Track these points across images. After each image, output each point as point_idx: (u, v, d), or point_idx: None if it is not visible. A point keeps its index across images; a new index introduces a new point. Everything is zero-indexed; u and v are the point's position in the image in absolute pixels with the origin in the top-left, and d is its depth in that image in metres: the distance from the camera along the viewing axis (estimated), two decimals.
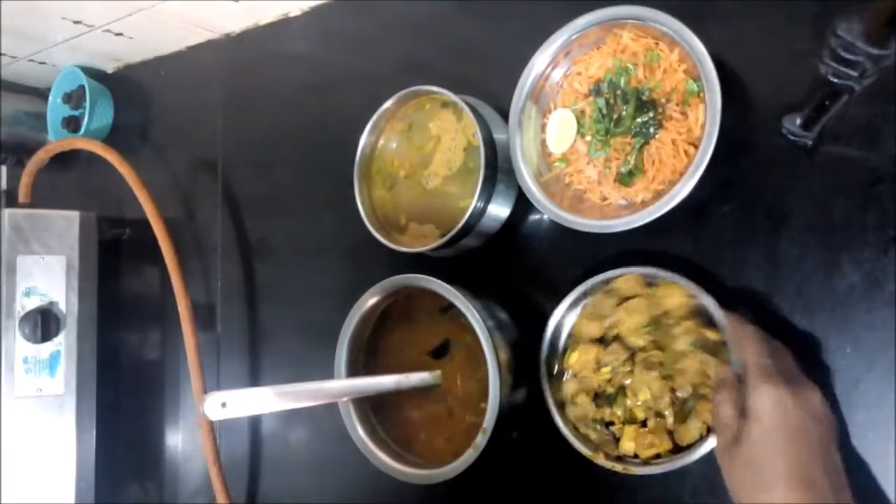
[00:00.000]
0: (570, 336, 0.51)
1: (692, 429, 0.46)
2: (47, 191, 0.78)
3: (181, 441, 0.80)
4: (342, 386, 0.57)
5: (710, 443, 0.44)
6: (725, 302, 0.46)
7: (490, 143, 0.54)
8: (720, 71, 0.45)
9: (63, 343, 0.72)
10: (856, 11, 0.37)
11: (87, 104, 0.85)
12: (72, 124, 0.87)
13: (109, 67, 0.91)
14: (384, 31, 0.68)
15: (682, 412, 0.46)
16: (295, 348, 0.72)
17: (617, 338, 0.49)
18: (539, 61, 0.53)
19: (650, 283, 0.48)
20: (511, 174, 0.54)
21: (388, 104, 0.59)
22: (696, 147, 0.46)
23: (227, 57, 0.79)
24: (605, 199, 0.51)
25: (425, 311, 0.59)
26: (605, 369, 0.49)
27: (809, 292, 0.45)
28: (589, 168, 0.52)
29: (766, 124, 0.47)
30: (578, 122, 0.52)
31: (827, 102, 0.41)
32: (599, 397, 0.50)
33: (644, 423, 0.48)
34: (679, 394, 0.46)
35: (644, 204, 0.48)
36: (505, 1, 0.59)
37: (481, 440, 0.50)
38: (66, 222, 0.73)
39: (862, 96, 0.42)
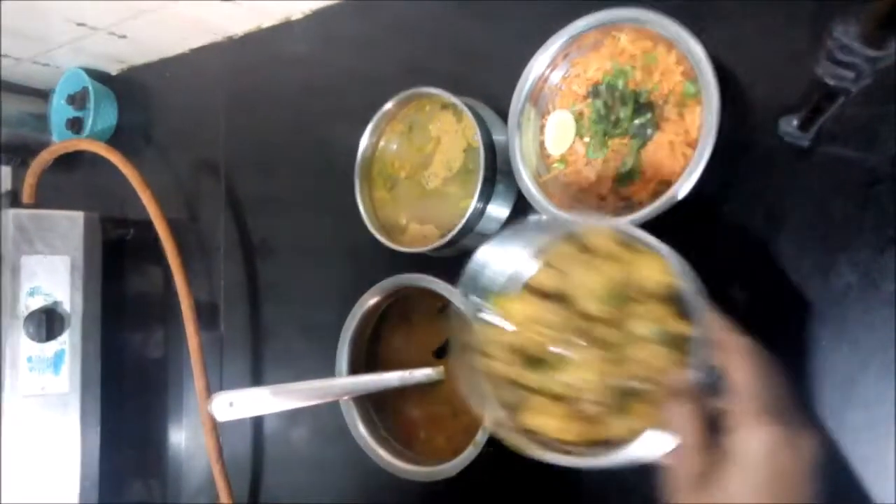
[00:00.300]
0: (516, 278, 0.43)
1: (621, 427, 0.38)
2: (51, 191, 0.79)
3: (184, 439, 0.80)
4: (347, 383, 0.57)
5: (644, 449, 0.36)
6: (719, 303, 0.46)
7: (489, 145, 0.54)
8: (717, 73, 0.45)
9: (67, 342, 0.72)
10: (852, 13, 0.37)
11: (91, 106, 0.86)
12: (75, 126, 0.88)
13: (113, 69, 0.91)
14: (385, 34, 0.68)
15: (616, 405, 0.38)
16: (297, 347, 0.72)
17: (568, 298, 0.41)
18: (538, 63, 0.53)
19: (628, 246, 0.40)
20: (510, 175, 0.54)
21: (388, 106, 0.59)
22: (693, 148, 0.46)
23: (230, 59, 0.80)
24: (603, 199, 0.51)
25: (425, 311, 0.59)
26: (543, 329, 0.40)
27: (807, 292, 0.45)
28: (587, 169, 0.52)
29: (764, 125, 0.47)
30: (577, 124, 0.52)
31: (824, 104, 0.41)
32: (523, 357, 0.41)
33: (565, 403, 0.40)
34: (620, 383, 0.38)
35: (641, 205, 0.48)
36: (504, 3, 0.60)
37: (481, 438, 0.51)
38: (70, 223, 0.74)
39: (859, 97, 0.42)
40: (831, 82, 0.38)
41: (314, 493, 0.70)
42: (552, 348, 0.40)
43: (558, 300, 0.41)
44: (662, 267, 0.38)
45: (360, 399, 0.59)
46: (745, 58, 0.48)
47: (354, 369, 0.60)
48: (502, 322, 0.42)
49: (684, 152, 0.48)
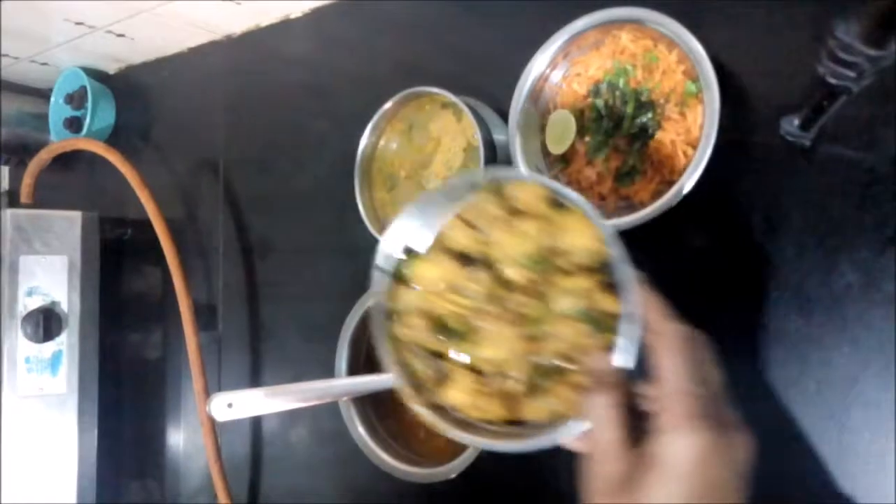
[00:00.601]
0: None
1: (539, 409, 0.35)
2: (49, 191, 0.79)
3: (182, 440, 0.80)
4: (347, 384, 0.57)
5: (562, 438, 0.33)
6: (718, 304, 0.45)
7: (489, 144, 0.54)
8: (718, 72, 0.45)
9: (65, 343, 0.72)
10: (854, 13, 0.37)
11: (89, 105, 0.86)
12: (74, 125, 0.88)
13: (111, 68, 0.91)
14: (384, 33, 0.68)
15: (535, 385, 0.35)
16: (296, 347, 0.72)
17: (487, 262, 0.36)
18: (538, 63, 0.53)
19: (559, 205, 0.35)
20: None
21: (388, 105, 0.59)
22: (694, 148, 0.46)
23: (229, 58, 0.79)
24: (604, 199, 0.51)
25: None
26: (457, 297, 0.36)
27: (807, 292, 0.45)
28: (588, 169, 0.52)
29: (765, 125, 0.47)
30: (577, 123, 0.52)
31: (825, 103, 0.41)
32: (440, 326, 0.37)
33: (482, 377, 0.36)
34: (538, 361, 0.35)
35: (643, 204, 0.48)
36: (505, 2, 0.59)
37: None
38: (69, 222, 0.74)
39: (860, 97, 0.42)
40: (833, 82, 0.38)
41: (313, 494, 0.69)
42: (464, 317, 0.36)
43: (475, 264, 0.36)
44: (593, 233, 0.34)
45: (359, 399, 0.59)
46: (746, 57, 0.48)
47: (354, 370, 0.60)
48: (414, 285, 0.37)
49: (685, 151, 0.48)
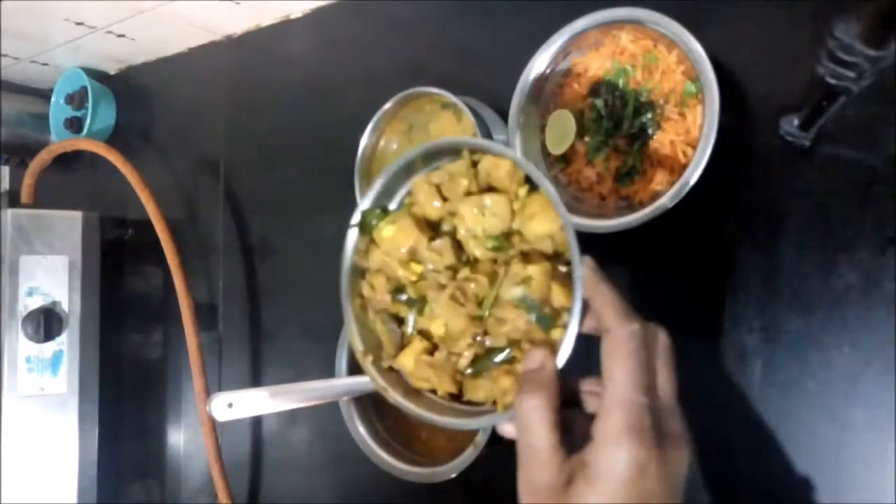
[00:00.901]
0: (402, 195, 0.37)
1: (480, 389, 0.34)
2: (50, 191, 0.79)
3: (183, 440, 0.80)
4: (347, 384, 0.57)
5: (494, 420, 0.33)
6: (718, 304, 0.45)
7: None
8: (718, 72, 0.45)
9: (66, 343, 0.72)
10: (853, 12, 0.37)
11: (90, 105, 0.86)
12: (74, 125, 0.88)
13: (112, 69, 0.91)
14: (385, 33, 0.68)
15: (479, 364, 0.34)
16: (296, 347, 0.72)
17: (452, 233, 0.36)
18: (538, 63, 0.53)
19: (531, 185, 0.34)
20: None
21: (388, 105, 0.59)
22: (694, 148, 0.46)
23: (229, 58, 0.79)
24: (603, 199, 0.51)
25: None
26: (416, 266, 0.35)
27: (807, 292, 0.45)
28: (588, 169, 0.52)
29: (764, 125, 0.47)
30: (577, 124, 0.52)
31: (824, 103, 0.41)
32: (400, 290, 0.37)
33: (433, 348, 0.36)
34: (486, 343, 0.34)
35: (642, 204, 0.48)
36: (505, 2, 0.60)
37: (482, 438, 0.51)
38: (69, 223, 0.74)
39: (859, 97, 0.42)
40: (832, 82, 0.38)
41: (313, 494, 0.69)
42: (419, 286, 0.36)
43: (440, 233, 0.36)
44: (556, 216, 0.32)
45: (360, 400, 0.59)
46: (745, 57, 0.48)
47: (354, 370, 0.60)
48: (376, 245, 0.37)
49: (685, 152, 0.48)
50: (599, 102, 0.51)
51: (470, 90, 0.58)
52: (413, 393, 0.36)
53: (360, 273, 0.38)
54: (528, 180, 0.33)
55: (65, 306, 0.73)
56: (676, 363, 0.30)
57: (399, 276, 0.36)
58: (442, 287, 0.34)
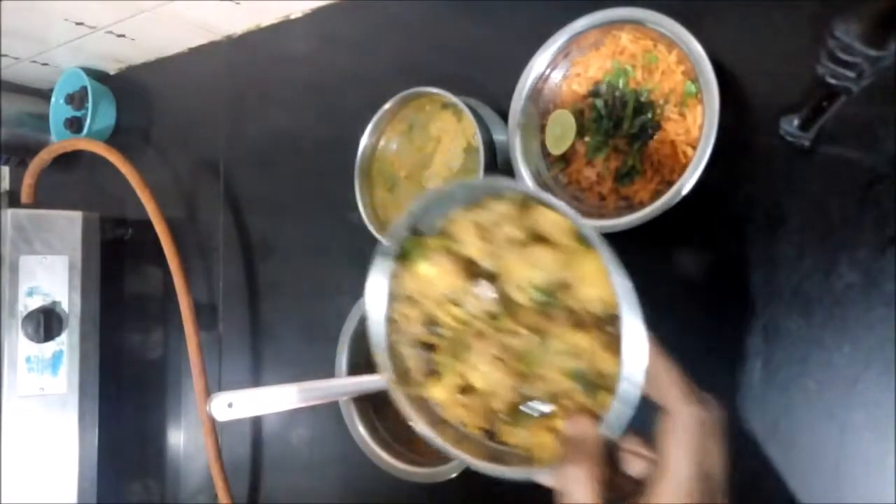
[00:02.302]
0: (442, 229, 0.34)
1: (514, 435, 0.34)
2: (50, 191, 0.79)
3: (183, 440, 0.80)
4: (348, 383, 0.57)
5: (531, 474, 0.32)
6: (718, 304, 0.45)
7: (490, 145, 0.54)
8: (718, 72, 0.45)
9: (66, 342, 0.72)
10: (853, 12, 0.37)
11: (90, 105, 0.86)
12: (74, 125, 0.88)
13: (112, 69, 0.91)
14: (385, 33, 0.68)
15: (517, 414, 0.34)
16: (296, 347, 0.72)
17: (492, 277, 0.34)
18: (538, 63, 0.53)
19: (583, 242, 0.31)
20: (511, 175, 0.54)
21: (388, 105, 0.59)
22: (694, 148, 0.46)
23: (229, 58, 0.79)
24: (603, 199, 0.51)
25: None
26: (454, 309, 0.34)
27: (807, 292, 0.45)
28: (588, 168, 0.52)
29: (764, 125, 0.47)
30: (577, 123, 0.52)
31: (824, 103, 0.41)
32: (433, 322, 0.35)
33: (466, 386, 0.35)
34: (524, 392, 0.33)
35: (642, 204, 0.48)
36: (505, 2, 0.60)
37: None
38: (69, 222, 0.74)
39: (859, 97, 0.42)
40: (832, 82, 0.38)
41: (313, 494, 0.69)
42: (456, 329, 0.34)
43: (478, 274, 0.34)
44: (606, 281, 0.30)
45: (360, 400, 0.59)
46: (745, 57, 0.48)
47: (354, 369, 0.60)
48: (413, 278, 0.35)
49: (685, 152, 0.48)
50: (599, 102, 0.51)
51: (470, 90, 0.58)
52: (441, 423, 0.34)
53: (388, 296, 0.36)
54: (580, 236, 0.31)
55: (65, 306, 0.73)
56: (725, 437, 0.30)
57: (434, 313, 0.35)
58: (481, 335, 0.33)
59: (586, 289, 0.31)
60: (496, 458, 0.33)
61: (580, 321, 0.31)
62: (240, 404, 0.52)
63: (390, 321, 0.36)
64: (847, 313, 0.44)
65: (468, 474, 0.52)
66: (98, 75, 0.90)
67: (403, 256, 0.35)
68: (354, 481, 0.66)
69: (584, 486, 0.28)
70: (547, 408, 0.32)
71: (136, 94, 0.88)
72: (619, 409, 0.28)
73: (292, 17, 0.74)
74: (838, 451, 0.44)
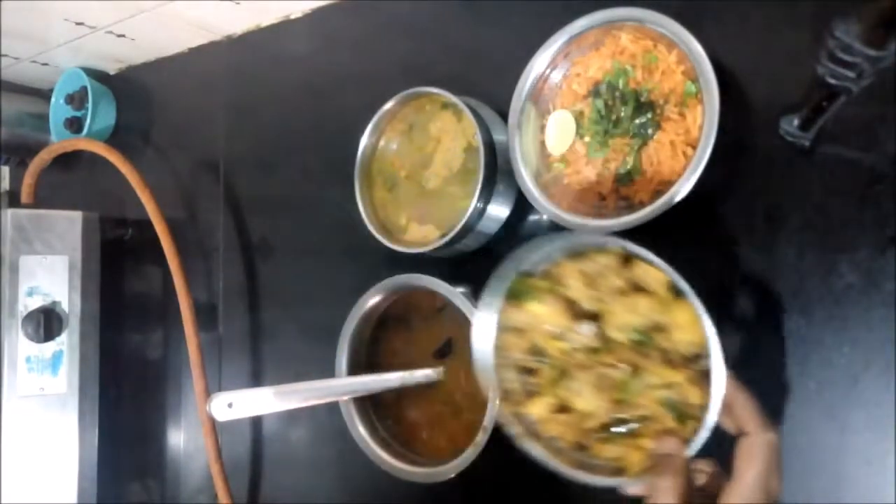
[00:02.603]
0: (548, 273, 0.40)
1: (606, 451, 0.39)
2: (50, 191, 0.79)
3: (183, 440, 0.80)
4: (348, 384, 0.57)
5: (622, 484, 0.37)
6: (718, 304, 0.45)
7: (490, 144, 0.54)
8: (718, 72, 0.45)
9: (66, 343, 0.72)
10: (853, 13, 0.37)
11: (90, 105, 0.86)
12: (74, 125, 0.88)
13: (112, 69, 0.91)
14: (385, 33, 0.68)
15: (607, 432, 0.39)
16: (296, 348, 0.72)
17: (594, 317, 0.39)
18: (538, 63, 0.53)
19: (676, 292, 0.37)
20: (511, 175, 0.54)
21: (388, 105, 0.59)
22: (694, 148, 0.46)
23: (229, 58, 0.79)
24: (603, 199, 0.51)
25: (424, 311, 0.59)
26: (559, 343, 0.39)
27: (808, 292, 0.45)
28: (588, 169, 0.52)
29: (764, 125, 0.47)
30: (577, 124, 0.52)
31: (824, 103, 0.41)
32: (536, 351, 0.41)
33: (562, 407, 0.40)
34: (620, 416, 0.38)
35: (642, 204, 0.48)
36: (505, 2, 0.59)
37: (482, 438, 0.51)
38: (69, 223, 0.74)
39: (859, 97, 0.42)
40: (832, 82, 0.38)
41: (313, 494, 0.69)
42: (561, 360, 0.40)
43: (581, 315, 0.40)
44: (699, 329, 0.36)
45: (359, 399, 0.59)
46: (745, 57, 0.48)
47: (354, 370, 0.60)
48: (522, 314, 0.41)
49: (685, 152, 0.48)
50: (599, 102, 0.51)
51: (470, 90, 0.58)
52: (537, 436, 0.40)
53: (497, 327, 0.41)
54: (674, 287, 0.37)
55: (65, 306, 0.73)
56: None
57: (540, 345, 0.40)
58: (584, 368, 0.39)
59: (680, 334, 0.37)
60: (585, 467, 0.38)
61: (669, 359, 0.37)
62: (240, 404, 0.52)
63: (495, 348, 0.41)
64: (847, 313, 0.44)
65: (467, 475, 0.52)
66: (98, 75, 0.90)
67: (510, 294, 0.41)
68: (354, 481, 0.66)
69: (672, 493, 0.33)
70: (635, 427, 0.38)
71: (136, 94, 0.88)
72: (703, 435, 0.34)
73: (292, 17, 0.74)
74: (838, 452, 0.44)
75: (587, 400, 0.38)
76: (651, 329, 0.38)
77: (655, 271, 0.37)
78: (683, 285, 0.36)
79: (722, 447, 0.35)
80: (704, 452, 0.35)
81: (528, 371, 0.41)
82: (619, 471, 0.37)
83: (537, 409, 0.40)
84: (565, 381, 0.39)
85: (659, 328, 0.37)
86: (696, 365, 0.37)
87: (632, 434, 0.38)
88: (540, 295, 0.40)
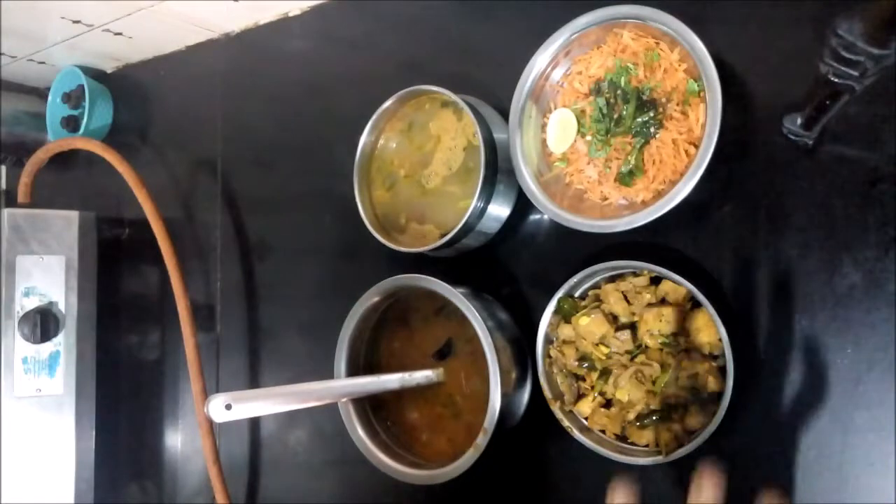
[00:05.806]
0: (590, 293, 0.51)
1: (643, 436, 0.48)
2: (47, 191, 0.78)
3: (181, 441, 0.80)
4: (347, 385, 0.57)
5: (657, 460, 0.46)
6: (719, 305, 0.45)
7: (490, 143, 0.53)
8: (721, 70, 0.45)
9: (62, 343, 0.72)
10: (857, 11, 0.37)
11: (87, 104, 0.85)
12: (71, 124, 0.87)
13: (109, 67, 0.91)
14: (384, 31, 0.67)
15: (643, 419, 0.48)
16: (295, 348, 0.72)
17: (633, 327, 0.49)
18: (539, 61, 0.52)
19: (695, 304, 0.48)
20: (511, 174, 0.53)
21: (388, 104, 0.59)
22: (696, 147, 0.46)
23: (227, 56, 0.79)
24: (605, 198, 0.51)
25: (423, 312, 0.59)
26: (603, 348, 0.50)
27: (810, 292, 0.45)
28: (589, 168, 0.52)
29: (767, 124, 0.47)
30: (579, 122, 0.52)
31: (828, 102, 0.41)
32: (585, 359, 0.51)
33: (609, 404, 0.51)
34: (653, 407, 0.48)
35: (645, 204, 0.48)
36: (505, 0, 0.59)
37: (482, 440, 0.50)
38: (66, 222, 0.73)
39: (863, 96, 0.42)
40: (836, 80, 0.38)
41: (311, 496, 0.69)
42: (606, 362, 0.50)
43: (620, 325, 0.50)
44: (715, 331, 0.46)
45: (358, 401, 0.59)
46: (748, 55, 0.48)
47: (353, 371, 0.59)
48: (574, 328, 0.51)
49: (687, 151, 0.47)
50: (601, 101, 0.50)
51: (470, 88, 0.58)
52: (586, 430, 0.51)
53: (547, 339, 0.52)
54: (693, 299, 0.47)
55: (61, 307, 0.72)
56: None
57: (588, 352, 0.51)
58: (623, 367, 0.49)
59: (702, 337, 0.47)
60: (624, 453, 0.48)
61: (693, 356, 0.47)
62: (238, 406, 0.52)
63: (548, 357, 0.52)
64: (850, 314, 0.44)
65: (467, 476, 0.51)
66: (95, 74, 0.89)
67: (558, 312, 0.51)
68: (353, 483, 0.65)
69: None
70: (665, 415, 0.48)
71: (133, 93, 0.88)
72: (720, 415, 0.44)
73: (291, 14, 0.74)
74: (841, 452, 0.44)
75: (627, 391, 0.48)
76: (676, 333, 0.47)
77: (678, 287, 0.47)
78: (701, 297, 0.45)
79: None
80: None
81: (577, 377, 0.52)
82: (654, 453, 0.47)
83: (586, 406, 0.51)
84: (610, 378, 0.50)
85: (682, 332, 0.47)
86: (714, 361, 0.46)
87: (663, 419, 0.47)
88: (587, 311, 0.50)
